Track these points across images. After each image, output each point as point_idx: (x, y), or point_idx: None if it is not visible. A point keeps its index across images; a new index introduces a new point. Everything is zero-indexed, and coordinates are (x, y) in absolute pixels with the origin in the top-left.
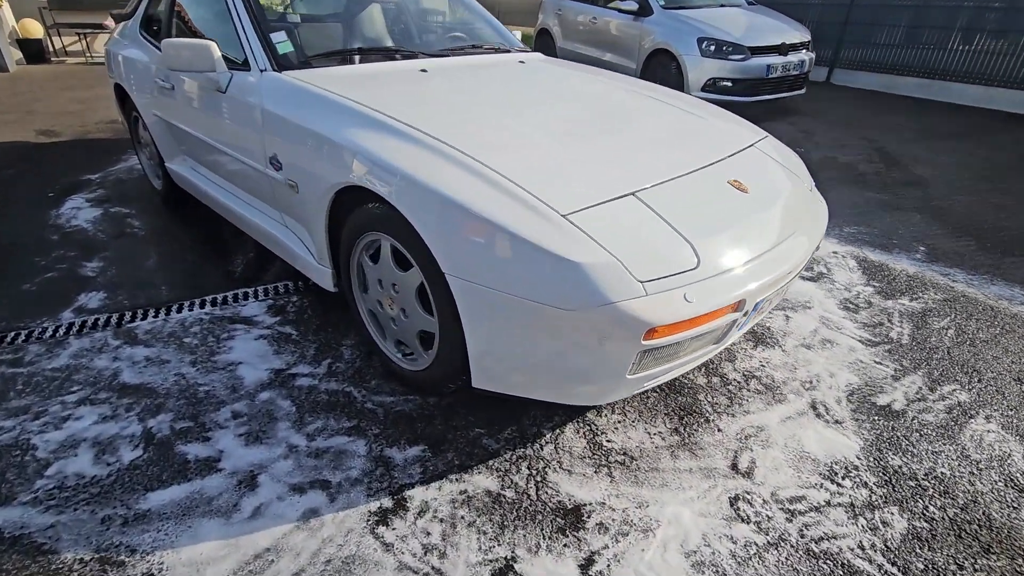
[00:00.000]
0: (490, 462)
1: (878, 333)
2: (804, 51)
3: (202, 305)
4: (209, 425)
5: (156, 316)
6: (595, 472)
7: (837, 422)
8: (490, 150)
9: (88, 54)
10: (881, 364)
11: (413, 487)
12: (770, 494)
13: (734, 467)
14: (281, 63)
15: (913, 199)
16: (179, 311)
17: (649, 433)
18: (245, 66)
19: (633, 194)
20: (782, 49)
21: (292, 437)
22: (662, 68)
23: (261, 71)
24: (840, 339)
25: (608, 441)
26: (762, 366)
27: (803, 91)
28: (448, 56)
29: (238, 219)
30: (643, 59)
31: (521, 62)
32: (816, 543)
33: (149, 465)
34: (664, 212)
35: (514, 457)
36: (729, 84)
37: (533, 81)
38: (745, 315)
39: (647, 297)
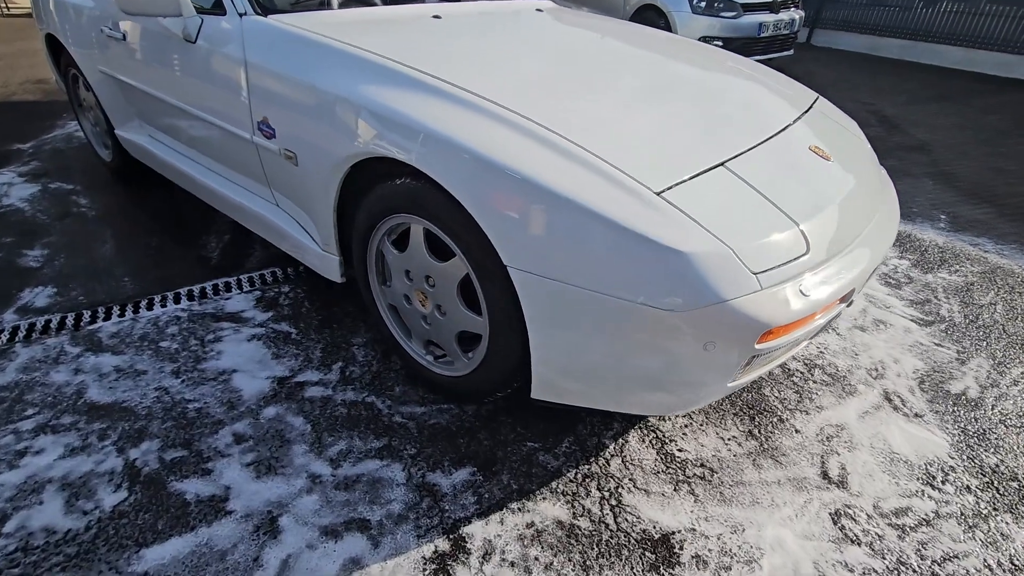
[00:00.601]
0: (553, 484)
1: (928, 311)
2: (794, 8)
3: (177, 300)
4: (208, 453)
5: (122, 315)
6: (674, 490)
7: (917, 415)
8: (553, 114)
9: (4, 5)
10: (942, 346)
11: (470, 522)
12: (872, 506)
13: (825, 475)
14: (264, 5)
15: (920, 164)
16: (149, 308)
17: (722, 438)
18: (219, 9)
19: (723, 164)
20: (774, 7)
21: (313, 464)
22: (649, 25)
23: (240, 15)
24: (892, 319)
25: (680, 450)
26: (821, 353)
27: (791, 52)
28: (459, 1)
29: (214, 197)
30: (630, 14)
31: (539, 10)
32: (940, 565)
33: (139, 511)
34: (761, 186)
35: (579, 476)
36: (720, 44)
37: (560, 33)
38: (850, 305)
39: (762, 292)
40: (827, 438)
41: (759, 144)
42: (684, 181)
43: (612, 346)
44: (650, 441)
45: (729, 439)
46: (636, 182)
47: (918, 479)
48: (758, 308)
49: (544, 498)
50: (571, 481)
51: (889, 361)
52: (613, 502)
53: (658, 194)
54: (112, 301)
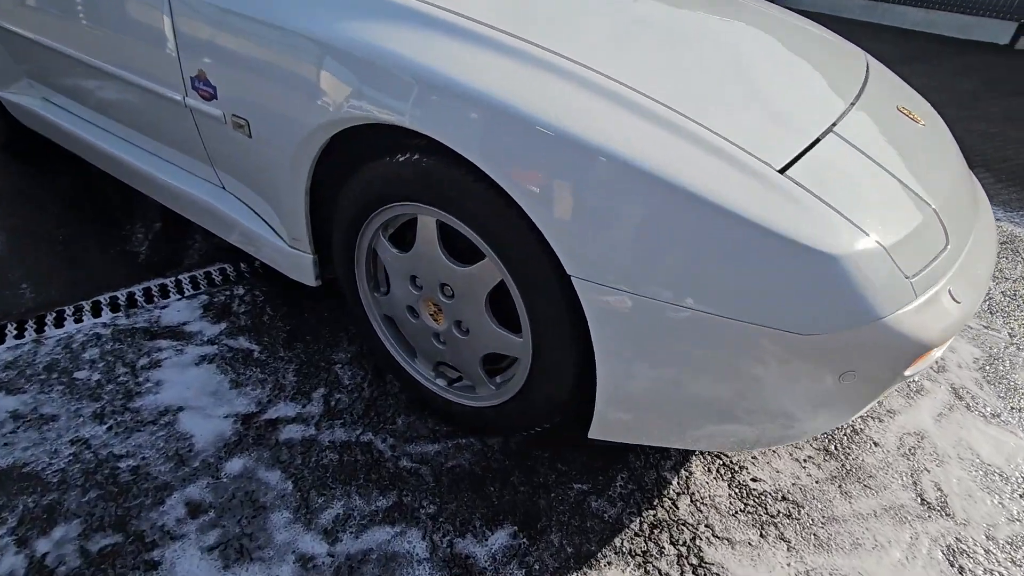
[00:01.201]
0: (616, 541)
1: None
2: None
3: (96, 311)
4: (152, 536)
5: (19, 335)
6: (761, 536)
7: (995, 415)
8: (632, 71)
9: None
10: (990, 329)
11: None
12: (985, 537)
13: (922, 500)
14: None
15: None
16: (59, 324)
17: (797, 460)
18: None
19: (831, 131)
20: None
21: (301, 540)
22: None
23: None
24: None
25: (754, 480)
26: None
27: None
28: None
29: (136, 178)
30: None
31: None
32: None
33: None
34: (879, 157)
35: (645, 527)
36: None
37: None
38: None
39: (918, 303)
40: (910, 451)
41: (852, 105)
42: (802, 155)
43: (712, 380)
44: (717, 471)
45: (805, 460)
46: (755, 159)
47: (1021, 496)
48: (917, 324)
49: (609, 562)
50: (637, 535)
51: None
52: (694, 560)
53: (782, 172)
54: (5, 317)
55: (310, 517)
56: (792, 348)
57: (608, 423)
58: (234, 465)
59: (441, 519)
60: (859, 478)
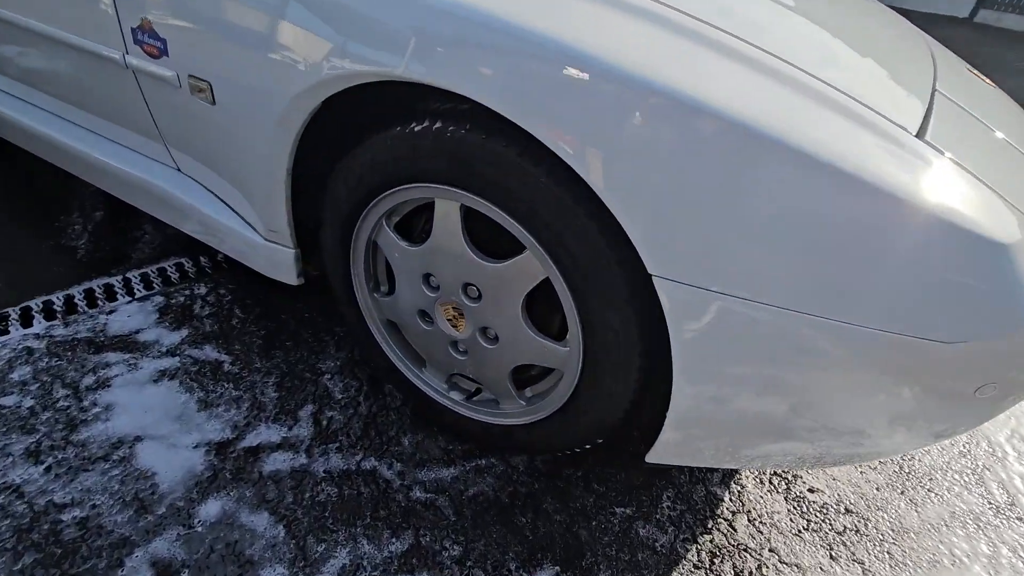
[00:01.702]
0: None
1: None
2: None
3: (26, 320)
4: None
5: None
6: (831, 559)
7: None
8: (739, 21)
9: None
10: None
11: None
12: None
13: (990, 503)
14: None
15: None
16: None
17: (853, 464)
18: None
19: (935, 90)
20: None
21: None
22: None
23: None
24: None
25: (811, 491)
26: None
27: None
28: None
29: (71, 160)
30: None
31: None
32: None
33: None
34: (986, 119)
35: (704, 556)
36: None
37: None
38: None
39: None
40: (964, 447)
41: (936, 69)
42: (928, 116)
43: (810, 397)
44: (770, 482)
45: (859, 464)
46: (888, 121)
47: None
48: None
49: None
50: (696, 567)
51: None
52: None
53: (918, 137)
54: None
55: (310, 572)
56: (929, 359)
57: (673, 445)
58: (210, 509)
59: (469, 563)
60: (920, 481)
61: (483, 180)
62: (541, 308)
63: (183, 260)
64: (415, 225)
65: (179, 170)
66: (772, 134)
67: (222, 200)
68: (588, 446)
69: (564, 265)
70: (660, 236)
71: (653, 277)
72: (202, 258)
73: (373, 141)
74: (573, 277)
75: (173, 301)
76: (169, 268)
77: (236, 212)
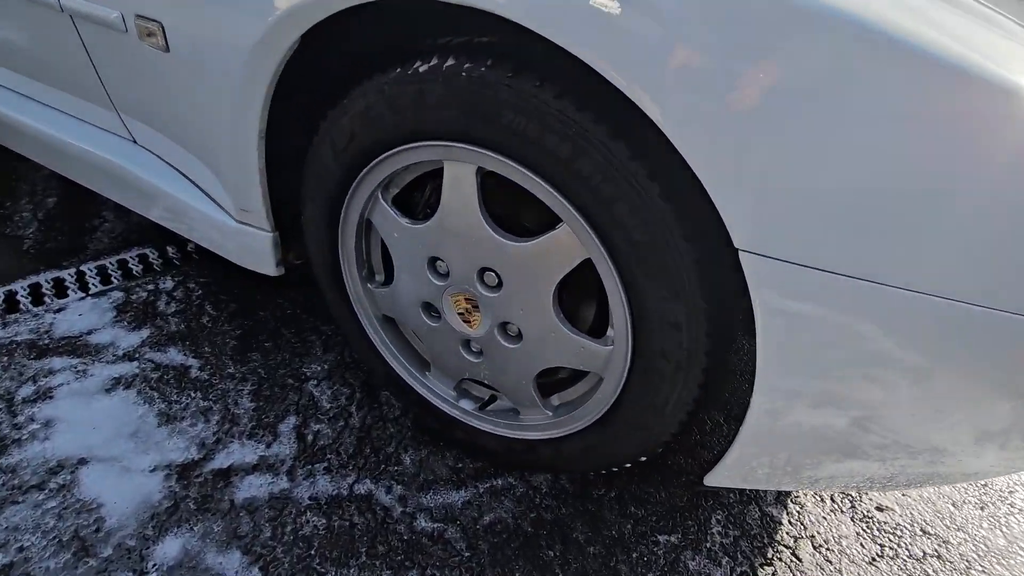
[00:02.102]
0: None
1: None
2: None
3: None
4: None
5: None
6: None
7: None
8: None
9: None
10: None
11: None
12: None
13: None
14: None
15: None
16: None
17: None
18: None
19: None
20: None
21: None
22: None
23: None
24: None
25: (879, 509)
26: None
27: None
28: None
29: (9, 134)
30: None
31: None
32: None
33: None
34: None
35: None
36: None
37: None
38: None
39: None
40: None
41: None
42: None
43: (928, 406)
44: (832, 500)
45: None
46: None
47: None
48: None
49: None
50: None
51: None
52: None
53: None
54: None
55: None
56: None
57: (742, 466)
58: (168, 548)
59: None
60: (1000, 496)
61: (507, 133)
62: (571, 298)
63: (147, 251)
64: (417, 200)
65: (135, 142)
66: (935, 51)
67: (186, 176)
68: (628, 465)
69: (613, 242)
70: (761, 198)
71: (741, 253)
72: (169, 248)
73: (366, 88)
74: (624, 257)
75: (134, 297)
76: (131, 260)
77: (202, 190)
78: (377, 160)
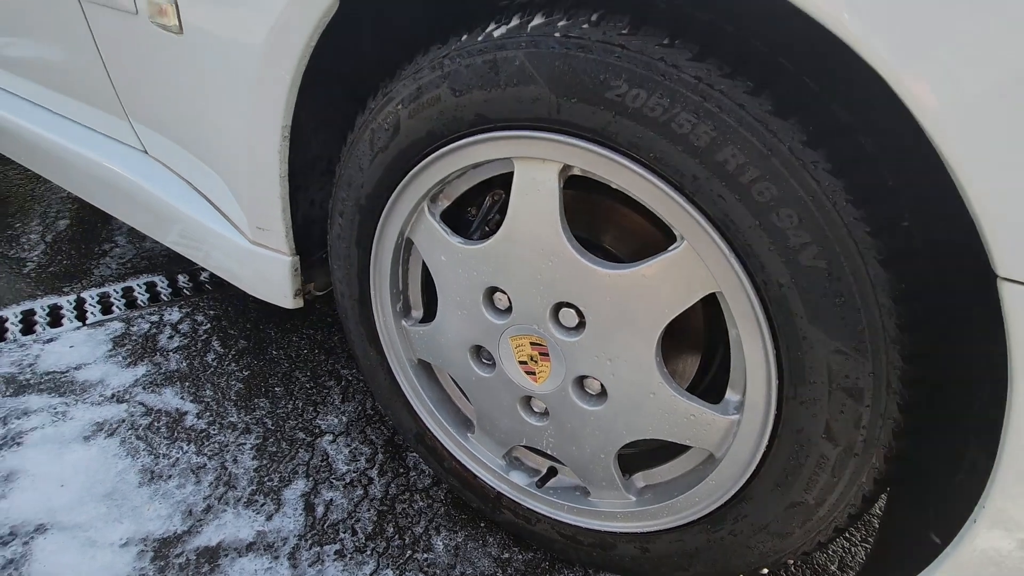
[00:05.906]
0: None
1: None
2: None
3: None
4: None
5: None
6: None
7: None
8: None
9: None
10: None
11: None
12: None
13: None
14: None
15: None
16: None
17: None
18: None
19: None
20: None
21: None
22: None
23: None
24: None
25: None
26: None
27: None
28: None
29: (13, 143)
30: None
31: None
32: None
33: None
34: None
35: None
36: None
37: None
38: None
39: None
40: None
41: None
42: None
43: None
44: None
45: None
46: None
47: None
48: None
49: None
50: None
51: None
52: None
53: None
54: None
55: None
56: None
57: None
58: None
59: None
60: None
61: (616, 112)
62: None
63: (156, 279)
64: (471, 216)
65: (146, 152)
66: None
67: (197, 190)
68: None
69: (764, 267)
70: None
71: (1003, 283)
72: (181, 277)
73: (419, 65)
74: (779, 289)
75: (134, 329)
76: (137, 288)
77: (215, 206)
78: (427, 160)
